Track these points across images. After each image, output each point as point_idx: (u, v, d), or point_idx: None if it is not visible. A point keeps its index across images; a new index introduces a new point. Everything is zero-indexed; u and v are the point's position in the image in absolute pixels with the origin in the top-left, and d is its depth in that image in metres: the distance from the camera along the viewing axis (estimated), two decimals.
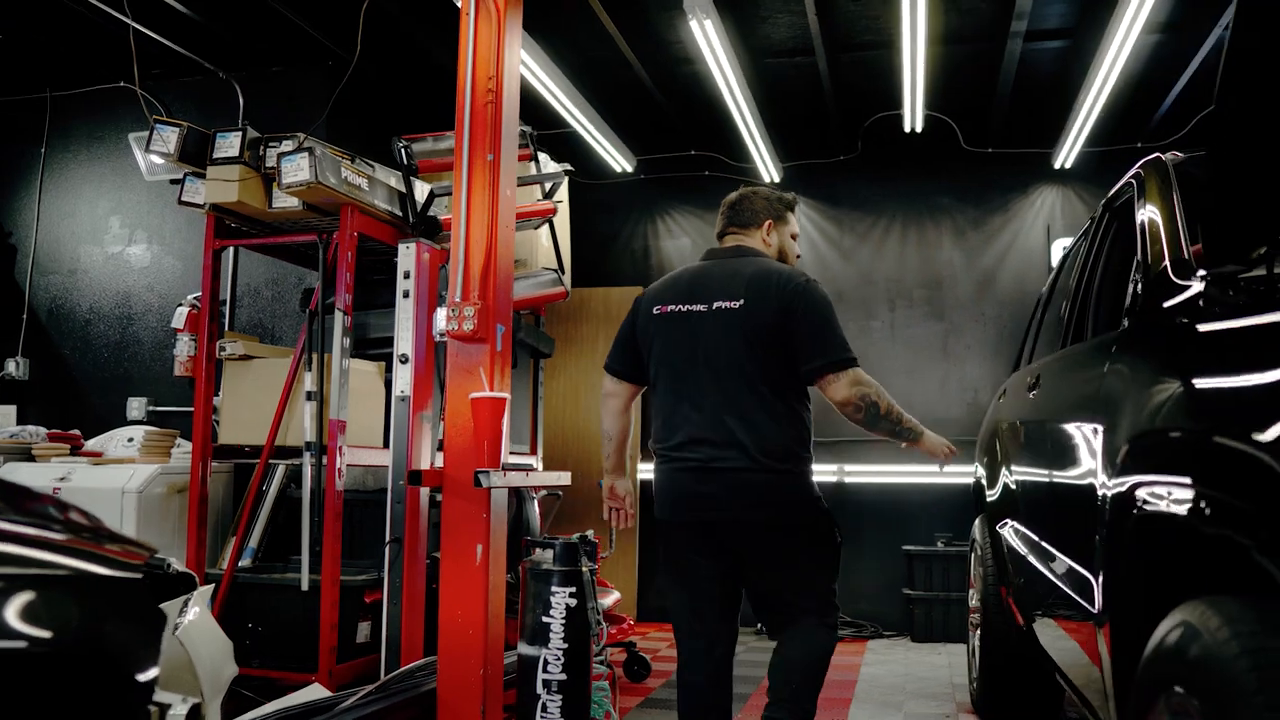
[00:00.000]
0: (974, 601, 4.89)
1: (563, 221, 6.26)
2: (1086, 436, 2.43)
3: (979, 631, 4.66)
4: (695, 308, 3.18)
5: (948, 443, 3.27)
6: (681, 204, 7.95)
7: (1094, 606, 2.25)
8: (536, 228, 5.44)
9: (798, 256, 3.55)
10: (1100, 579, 2.19)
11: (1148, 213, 2.66)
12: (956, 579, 6.84)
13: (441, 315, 3.75)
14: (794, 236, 3.52)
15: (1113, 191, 3.45)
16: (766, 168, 7.51)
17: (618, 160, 7.48)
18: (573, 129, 6.86)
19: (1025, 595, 3.52)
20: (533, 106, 6.36)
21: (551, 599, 3.49)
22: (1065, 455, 2.69)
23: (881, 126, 7.25)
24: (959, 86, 6.71)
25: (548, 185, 5.28)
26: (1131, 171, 3.14)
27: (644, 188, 7.96)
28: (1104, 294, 3.38)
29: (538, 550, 3.61)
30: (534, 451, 6.49)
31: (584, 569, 3.55)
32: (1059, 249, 7.36)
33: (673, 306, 3.25)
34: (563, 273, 5.37)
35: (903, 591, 7.07)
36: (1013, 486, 3.76)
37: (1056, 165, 7.36)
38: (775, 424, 3.05)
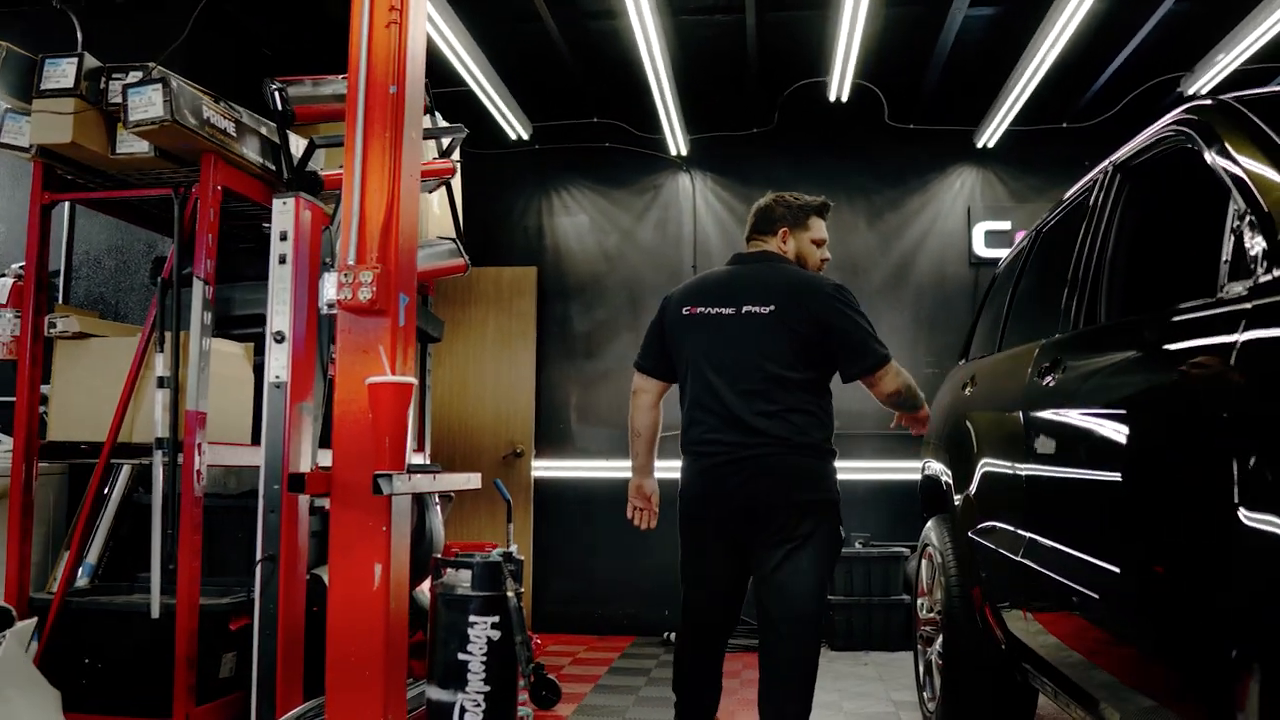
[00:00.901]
0: (928, 612, 4.40)
1: (458, 187, 5.56)
2: (1210, 436, 1.90)
3: (937, 645, 4.18)
4: (724, 310, 3.26)
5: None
6: (580, 177, 7.31)
7: (1222, 650, 1.73)
8: (432, 191, 4.75)
9: (824, 260, 3.57)
10: (1243, 620, 1.67)
11: (1244, 162, 2.15)
12: (879, 582, 6.39)
13: (330, 282, 3.05)
14: (818, 242, 3.53)
15: (1130, 150, 2.96)
16: (675, 140, 6.93)
17: (513, 126, 6.80)
18: (463, 87, 6.14)
19: (1030, 611, 3.02)
20: None
21: (470, 631, 2.85)
22: (1152, 459, 2.17)
23: (802, 97, 6.73)
24: (892, 54, 6.24)
25: (445, 143, 4.60)
26: (1168, 123, 2.64)
27: (540, 159, 7.29)
28: (1118, 267, 2.90)
29: (450, 571, 2.95)
30: (421, 448, 5.79)
31: (510, 593, 2.90)
32: (981, 233, 6.99)
33: (701, 309, 3.32)
34: (462, 243, 4.69)
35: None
36: (1007, 488, 3.25)
37: (979, 144, 6.98)
38: (800, 418, 3.18)
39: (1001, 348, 3.92)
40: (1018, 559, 3.02)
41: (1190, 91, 6.07)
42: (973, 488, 3.70)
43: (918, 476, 6.67)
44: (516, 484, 6.95)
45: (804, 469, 3.18)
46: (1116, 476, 2.33)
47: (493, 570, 2.89)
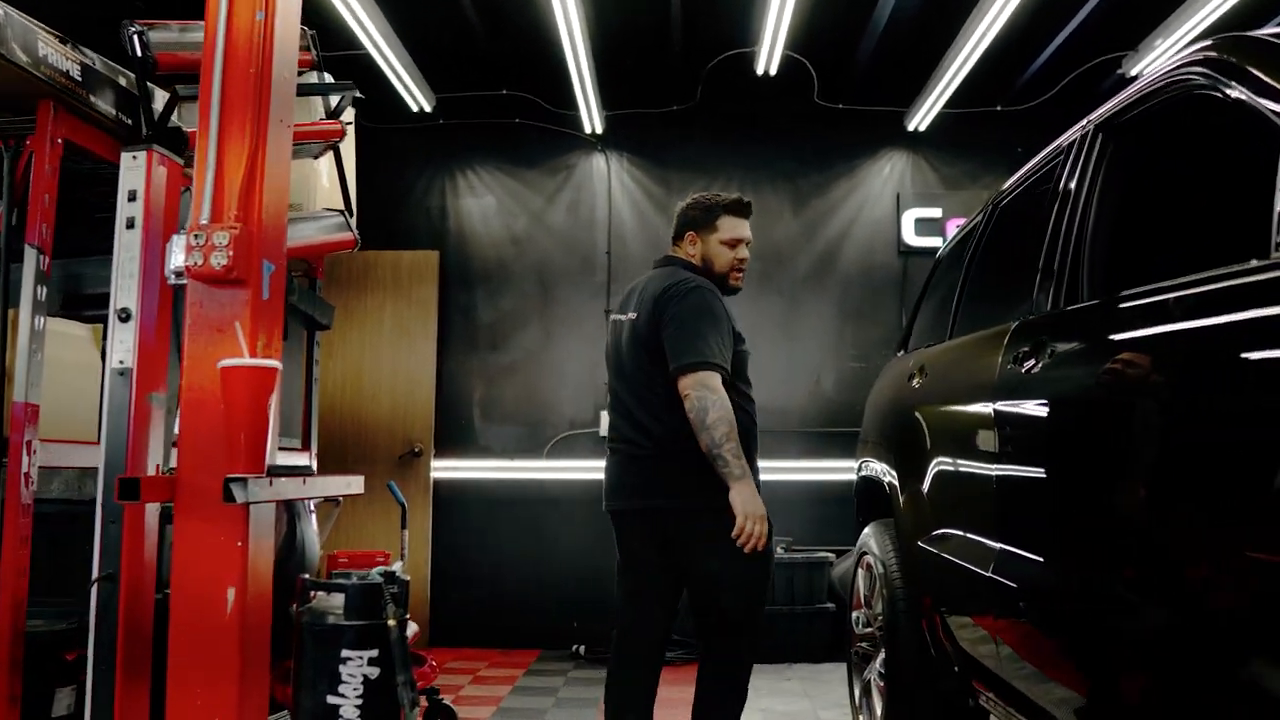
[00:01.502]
0: (864, 626, 4.01)
1: (349, 157, 5.02)
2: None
3: (877, 664, 3.78)
4: (621, 317, 3.37)
5: (762, 515, 3.12)
6: (487, 155, 6.80)
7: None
8: (317, 155, 4.21)
9: (740, 261, 3.38)
10: None
11: None
12: (803, 590, 6.00)
13: (179, 246, 2.53)
14: (730, 243, 3.34)
15: (1118, 104, 2.57)
16: (590, 117, 6.46)
17: (414, 96, 6.26)
18: (359, 50, 5.59)
19: (1000, 634, 2.62)
20: (307, 13, 5.07)
21: (342, 669, 2.36)
22: (1190, 461, 1.77)
23: (728, 69, 6.29)
24: (825, 27, 5.83)
25: (333, 102, 4.07)
26: (1174, 67, 2.25)
27: (444, 134, 6.76)
28: (1103, 238, 2.52)
29: (320, 595, 2.45)
30: (306, 447, 5.23)
31: (391, 621, 2.41)
32: (910, 220, 6.65)
33: (615, 315, 3.46)
34: (351, 216, 4.16)
35: None
36: (971, 491, 2.85)
37: (910, 127, 6.64)
38: (676, 421, 3.09)
39: (954, 335, 3.53)
40: (986, 574, 2.62)
41: (1134, 72, 5.79)
42: (924, 490, 3.30)
43: (845, 477, 6.33)
44: (415, 486, 6.42)
45: (680, 473, 3.13)
46: (1146, 486, 1.92)
47: (370, 594, 2.39)
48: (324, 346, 6.46)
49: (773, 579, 3.46)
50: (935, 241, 6.60)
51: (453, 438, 6.59)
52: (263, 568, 2.45)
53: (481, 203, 6.78)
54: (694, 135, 6.73)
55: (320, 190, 4.77)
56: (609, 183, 6.74)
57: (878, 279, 6.68)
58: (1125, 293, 2.10)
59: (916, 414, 3.46)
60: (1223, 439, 1.68)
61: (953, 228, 6.56)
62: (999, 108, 6.56)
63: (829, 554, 6.14)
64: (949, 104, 6.33)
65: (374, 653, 2.31)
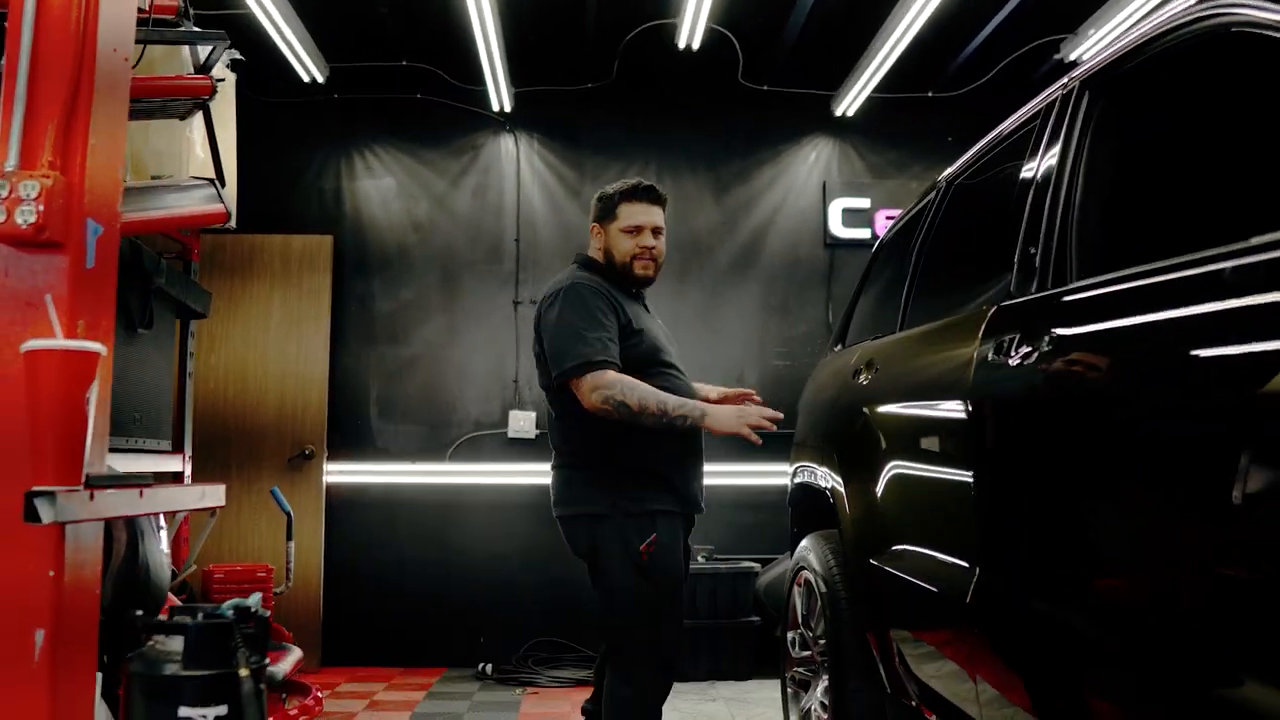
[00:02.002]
0: (802, 649, 3.63)
1: (226, 124, 4.51)
2: None
3: (818, 693, 3.40)
4: None
5: (745, 411, 3.00)
6: (387, 133, 6.28)
7: None
8: (184, 116, 3.69)
9: (645, 249, 3.11)
10: None
11: None
12: (726, 602, 5.60)
13: None
14: (631, 230, 3.11)
15: (1112, 56, 2.21)
16: (499, 93, 5.99)
17: (305, 66, 5.71)
18: (241, 10, 5.03)
19: (979, 671, 2.23)
20: None
21: None
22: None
23: (647, 43, 5.84)
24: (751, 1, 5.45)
25: (202, 54, 3.56)
26: (1189, 5, 1.89)
27: (339, 110, 6.22)
28: (1090, 209, 2.16)
29: (158, 639, 1.96)
30: (179, 450, 4.69)
31: (244, 671, 1.93)
32: (837, 211, 6.31)
33: None
34: (223, 186, 3.65)
35: None
36: (940, 502, 2.47)
37: (838, 112, 6.29)
38: (564, 427, 3.08)
39: (906, 326, 3.16)
40: (966, 602, 2.23)
41: (1072, 57, 5.52)
42: (877, 499, 2.92)
43: (771, 481, 5.98)
44: (306, 491, 5.88)
45: (561, 481, 3.11)
46: (1195, 499, 1.54)
47: (218, 637, 1.91)
48: (204, 339, 5.91)
49: (675, 594, 3.08)
50: (864, 233, 6.28)
51: (348, 439, 6.06)
52: (84, 603, 1.96)
53: (380, 185, 6.26)
54: (610, 116, 6.30)
55: (194, 160, 4.25)
56: (518, 165, 6.27)
57: (803, 272, 6.32)
58: (1152, 266, 1.72)
59: (865, 413, 3.08)
60: None
61: (882, 219, 6.25)
62: (930, 94, 6.25)
63: (754, 564, 5.77)
64: (878, 89, 6.00)
65: (221, 710, 1.83)
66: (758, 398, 3.28)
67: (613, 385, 2.85)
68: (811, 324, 6.28)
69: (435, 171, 6.26)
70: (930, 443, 2.56)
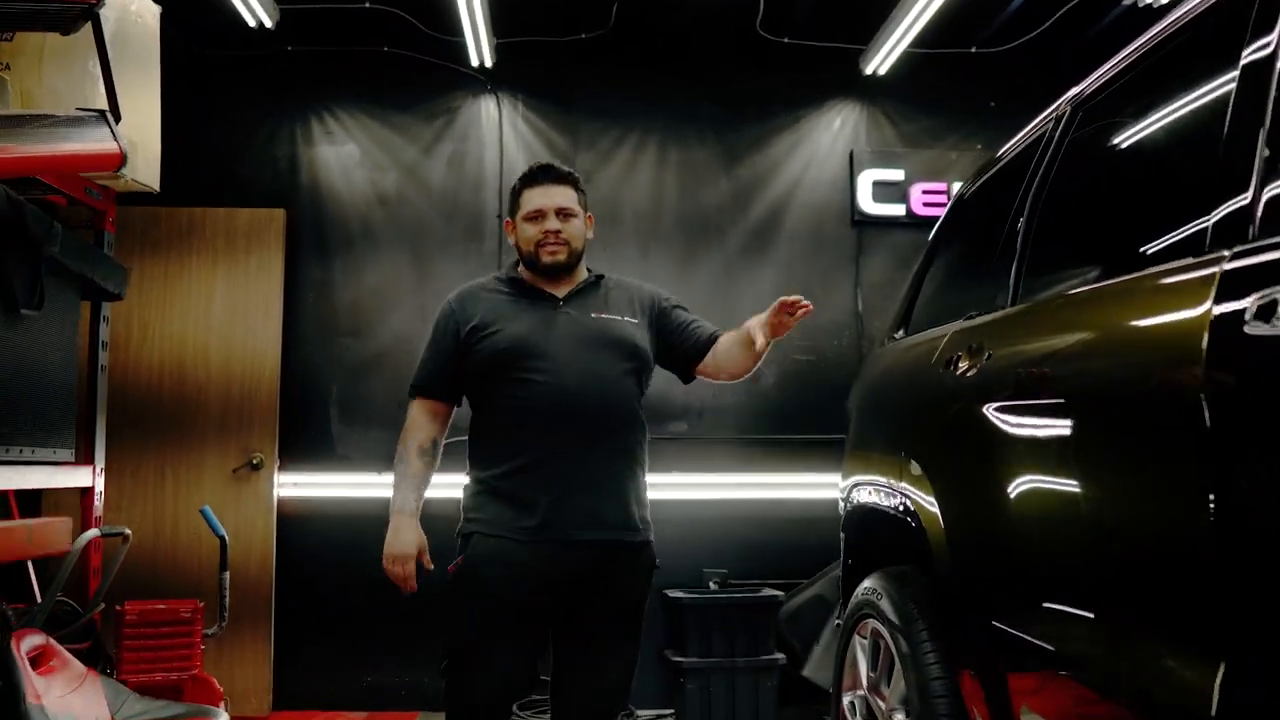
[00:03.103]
0: (865, 717, 2.82)
1: (144, 62, 3.69)
2: None
3: None
4: None
5: (395, 555, 2.73)
6: (349, 93, 5.44)
7: None
8: (68, 29, 2.86)
9: (549, 233, 2.80)
10: None
11: None
12: (746, 638, 4.78)
13: None
14: (532, 216, 2.84)
15: None
16: (478, 46, 5.16)
17: (250, 8, 4.84)
18: None
19: None
20: None
21: None
22: None
23: None
24: None
25: None
26: None
27: (292, 64, 5.38)
28: None
29: None
30: (86, 460, 3.87)
31: None
32: (867, 184, 5.51)
33: None
34: (117, 121, 2.82)
35: (666, 656, 4.94)
36: (1144, 548, 1.66)
37: (867, 70, 5.49)
38: None
39: (1021, 298, 2.35)
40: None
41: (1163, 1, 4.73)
42: (1006, 532, 2.11)
43: (794, 494, 5.19)
44: (253, 507, 5.05)
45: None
46: None
47: None
48: (131, 328, 5.05)
49: (481, 634, 2.67)
50: (897, 209, 5.50)
51: (303, 445, 5.21)
52: None
53: (341, 152, 5.42)
54: (606, 73, 5.49)
55: (100, 95, 3.43)
56: (501, 130, 5.45)
57: (828, 254, 5.52)
58: None
59: (976, 413, 2.26)
60: None
61: (918, 194, 5.46)
62: (974, 49, 5.46)
63: (775, 591, 4.95)
64: (915, 43, 5.20)
65: None
66: (805, 302, 2.54)
67: (404, 431, 2.84)
68: (838, 312, 5.48)
69: (405, 136, 5.43)
70: (1117, 455, 1.75)
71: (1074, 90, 2.48)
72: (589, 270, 2.91)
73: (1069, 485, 1.89)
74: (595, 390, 2.68)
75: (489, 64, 5.33)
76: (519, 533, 2.63)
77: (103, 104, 3.34)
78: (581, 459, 2.66)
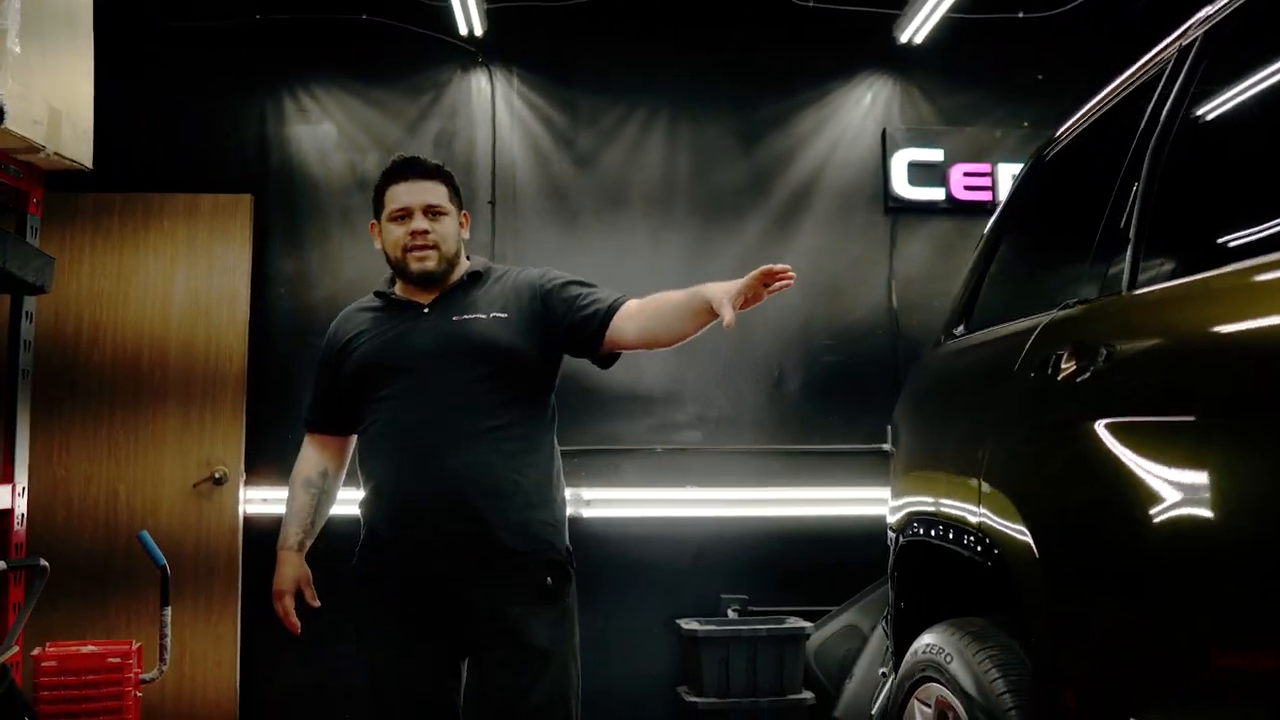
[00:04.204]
0: None
1: (57, 12, 3.16)
2: None
3: None
4: None
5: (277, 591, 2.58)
6: (324, 66, 4.88)
7: None
8: None
9: (416, 234, 2.48)
10: None
11: None
12: (770, 674, 4.22)
13: None
14: (396, 215, 2.51)
15: None
16: (467, 12, 4.61)
17: None
18: None
19: None
20: None
21: None
22: None
23: None
24: None
25: None
26: None
27: (262, 33, 4.81)
28: None
29: None
30: (6, 479, 3.34)
31: None
32: (901, 165, 4.95)
33: None
34: None
35: (680, 695, 4.39)
36: None
37: (902, 38, 4.93)
38: None
39: (1137, 283, 1.80)
40: None
41: None
42: (1138, 596, 1.55)
43: (822, 511, 4.64)
44: (215, 526, 4.50)
45: None
46: None
47: None
48: (84, 329, 4.51)
49: (376, 692, 2.46)
50: (936, 193, 4.95)
51: (272, 457, 4.64)
52: None
53: (316, 132, 4.87)
54: (610, 42, 4.95)
55: (13, 62, 2.92)
56: (493, 107, 4.90)
57: (858, 243, 4.96)
58: None
59: (1103, 431, 1.70)
60: None
61: (959, 175, 4.90)
62: (1021, 14, 4.89)
63: (801, 621, 4.40)
64: (954, 7, 4.65)
65: None
66: (790, 273, 2.17)
67: (298, 460, 2.70)
68: (869, 308, 4.91)
69: (387, 115, 4.88)
70: None
71: (1204, 13, 1.92)
72: (473, 266, 2.60)
73: (1239, 531, 1.33)
74: (447, 407, 2.40)
75: (479, 33, 4.78)
76: (373, 568, 2.46)
77: (22, 64, 2.82)
78: (414, 487, 2.39)
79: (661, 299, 2.40)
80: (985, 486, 2.06)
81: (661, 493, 4.64)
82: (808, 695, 4.27)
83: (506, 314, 2.47)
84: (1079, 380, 1.78)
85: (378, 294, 2.62)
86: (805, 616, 4.47)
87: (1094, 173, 2.18)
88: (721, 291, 2.17)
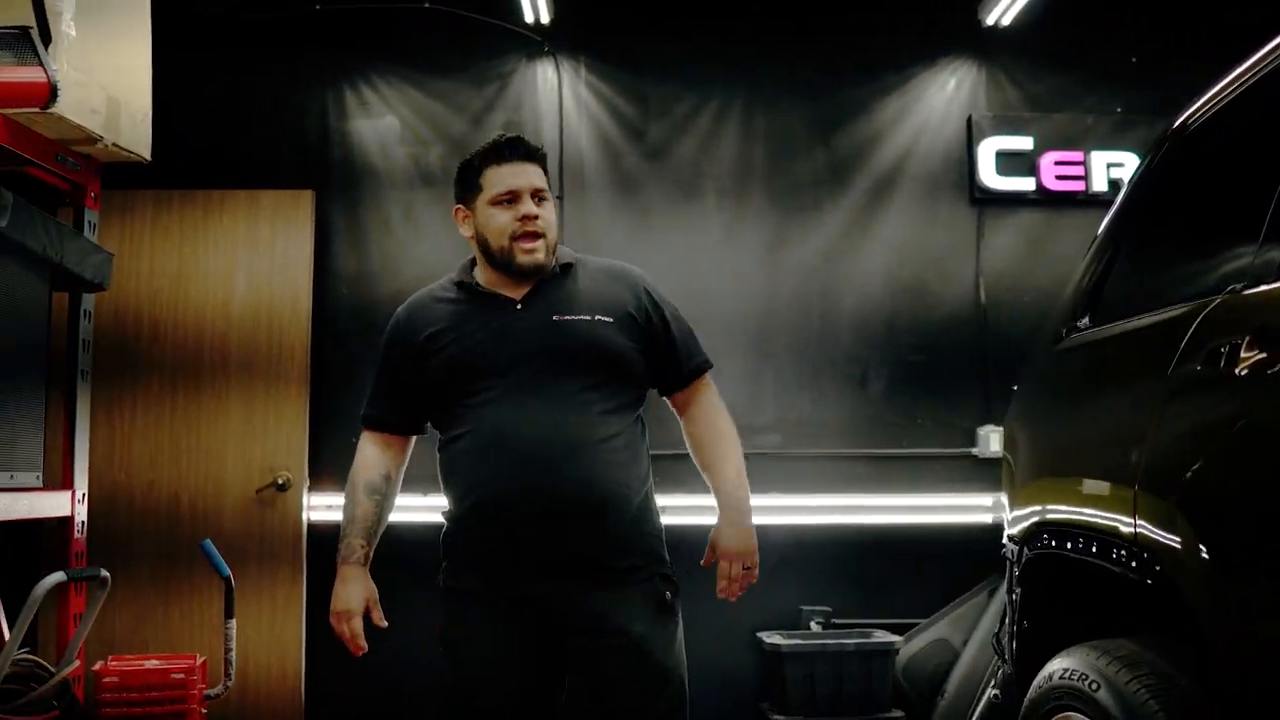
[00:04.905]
0: None
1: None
2: None
3: None
4: None
5: (354, 603, 2.33)
6: (386, 57, 4.72)
7: None
8: None
9: (526, 219, 2.30)
10: None
11: None
12: (857, 692, 4.00)
13: None
14: (499, 200, 2.32)
15: None
16: (534, 1, 4.45)
17: None
18: None
19: None
20: None
21: None
22: None
23: None
24: None
25: None
26: None
27: (323, 26, 4.67)
28: None
29: None
30: (66, 484, 3.20)
31: None
32: (989, 154, 4.72)
33: None
34: (45, 45, 2.12)
35: (761, 711, 4.18)
36: None
37: (988, 21, 4.70)
38: None
39: None
40: None
41: None
42: None
43: (909, 519, 4.42)
44: (280, 533, 4.37)
45: None
46: None
47: None
48: (144, 328, 4.36)
49: (474, 704, 2.31)
50: (1026, 183, 4.70)
51: (337, 462, 4.48)
52: None
53: (378, 125, 4.72)
54: (681, 28, 4.76)
55: (69, 47, 2.78)
56: (560, 98, 4.72)
57: (943, 236, 4.72)
58: None
59: None
60: None
61: (1050, 164, 4.66)
62: None
63: (890, 635, 4.17)
64: None
65: None
66: (746, 563, 2.38)
67: (354, 463, 2.49)
68: (956, 305, 4.68)
69: (451, 107, 4.72)
70: None
71: None
72: (563, 256, 2.43)
73: None
74: (553, 411, 2.25)
75: (546, 21, 4.61)
76: (479, 585, 2.29)
77: (76, 48, 2.68)
78: (525, 497, 2.22)
79: (717, 451, 2.46)
80: (1143, 494, 1.83)
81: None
82: (897, 713, 4.04)
83: (611, 318, 2.33)
84: (1270, 373, 1.55)
85: (459, 283, 2.42)
86: (892, 629, 4.25)
87: (1258, 142, 1.94)
88: (716, 537, 2.38)
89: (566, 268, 2.39)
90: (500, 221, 2.31)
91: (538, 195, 2.33)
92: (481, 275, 2.40)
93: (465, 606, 2.31)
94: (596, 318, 2.31)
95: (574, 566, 2.23)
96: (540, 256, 2.32)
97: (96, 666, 3.22)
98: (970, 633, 4.22)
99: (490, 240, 2.33)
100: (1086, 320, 2.48)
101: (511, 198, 2.31)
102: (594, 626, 2.24)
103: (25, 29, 2.13)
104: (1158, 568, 1.78)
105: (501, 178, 2.32)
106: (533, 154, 2.37)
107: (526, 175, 2.34)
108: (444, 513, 2.38)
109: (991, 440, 4.44)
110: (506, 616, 2.25)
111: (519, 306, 2.33)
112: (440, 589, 2.36)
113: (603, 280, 2.41)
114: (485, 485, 2.24)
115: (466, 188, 2.39)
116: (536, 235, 2.30)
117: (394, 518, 4.36)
